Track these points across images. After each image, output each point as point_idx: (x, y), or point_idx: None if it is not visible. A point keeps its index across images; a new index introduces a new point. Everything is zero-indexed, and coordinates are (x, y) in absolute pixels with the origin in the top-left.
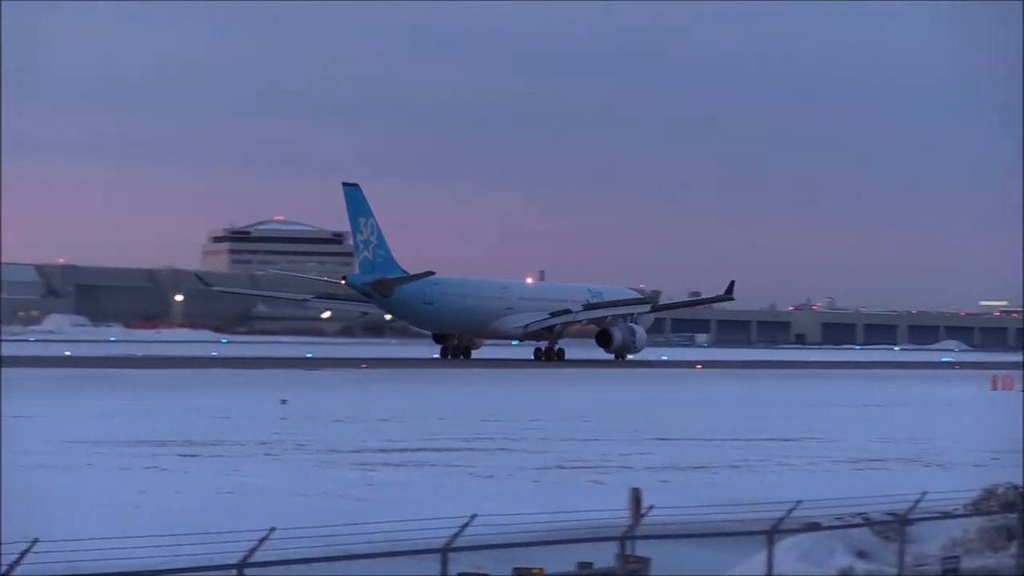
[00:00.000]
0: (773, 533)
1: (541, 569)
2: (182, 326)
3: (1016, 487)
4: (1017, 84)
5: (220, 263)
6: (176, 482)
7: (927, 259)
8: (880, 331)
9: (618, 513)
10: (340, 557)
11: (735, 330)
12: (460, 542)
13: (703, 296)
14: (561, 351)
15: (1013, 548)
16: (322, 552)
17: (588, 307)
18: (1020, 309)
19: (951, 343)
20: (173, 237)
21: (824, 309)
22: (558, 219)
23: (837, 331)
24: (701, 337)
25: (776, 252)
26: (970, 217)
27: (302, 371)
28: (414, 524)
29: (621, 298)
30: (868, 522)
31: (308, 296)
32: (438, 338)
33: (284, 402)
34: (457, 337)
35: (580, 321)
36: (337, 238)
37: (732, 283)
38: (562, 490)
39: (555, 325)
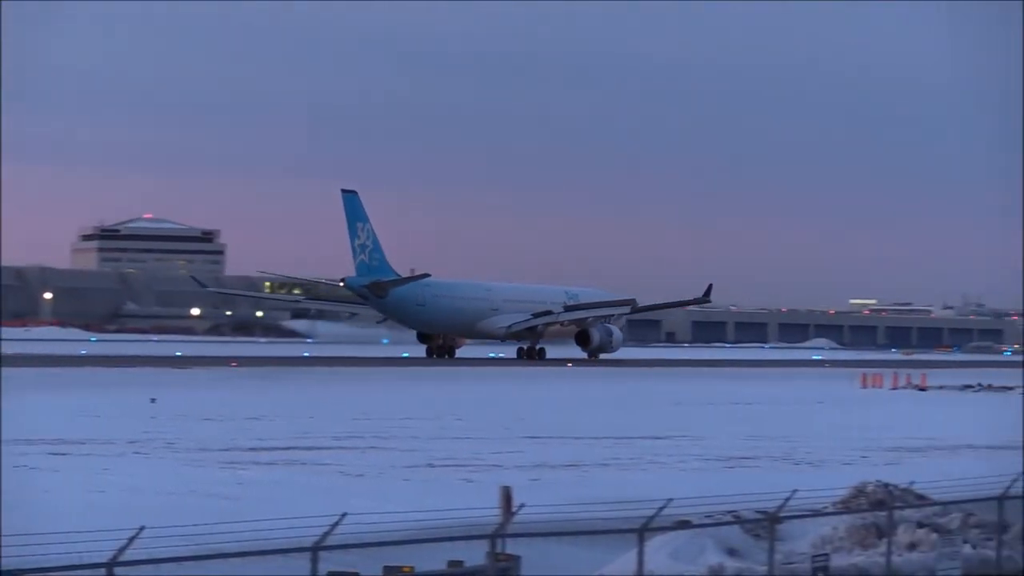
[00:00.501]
0: (644, 531)
1: (412, 567)
2: (51, 324)
3: (886, 485)
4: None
5: (89, 261)
6: (45, 481)
7: (797, 258)
8: (750, 329)
9: (489, 511)
10: (210, 556)
11: None
12: (331, 541)
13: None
14: (542, 350)
15: (882, 546)
16: (192, 551)
17: (569, 308)
18: (894, 307)
19: (821, 341)
20: (42, 236)
21: (694, 307)
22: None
23: (707, 329)
24: None
25: (646, 250)
26: (841, 217)
27: (172, 370)
28: (284, 523)
29: (596, 300)
30: (738, 520)
31: (300, 298)
32: (422, 337)
33: (153, 401)
34: (441, 337)
35: (561, 322)
36: (207, 236)
37: (710, 286)
38: (433, 488)
39: (537, 326)
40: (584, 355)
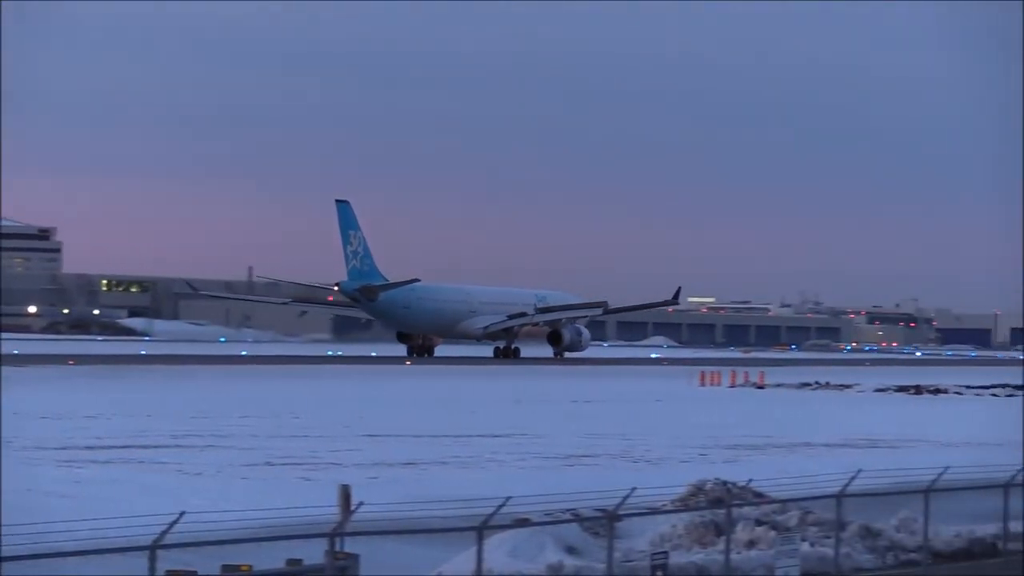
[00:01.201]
0: (482, 529)
1: (250, 566)
2: None
3: (724, 483)
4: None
5: None
6: None
7: (635, 255)
8: (591, 327)
9: (328, 510)
10: (48, 555)
11: None
12: (169, 539)
13: None
14: (517, 349)
15: (721, 544)
16: (29, 550)
17: (543, 310)
18: (732, 305)
19: (659, 339)
20: None
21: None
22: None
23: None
24: None
25: (487, 250)
26: (677, 214)
27: (8, 368)
28: (122, 522)
29: (561, 303)
30: (577, 518)
31: (287, 299)
32: (402, 337)
33: None
34: (421, 337)
35: (537, 323)
36: (44, 234)
37: (679, 289)
38: (271, 487)
39: (513, 326)
40: (561, 354)
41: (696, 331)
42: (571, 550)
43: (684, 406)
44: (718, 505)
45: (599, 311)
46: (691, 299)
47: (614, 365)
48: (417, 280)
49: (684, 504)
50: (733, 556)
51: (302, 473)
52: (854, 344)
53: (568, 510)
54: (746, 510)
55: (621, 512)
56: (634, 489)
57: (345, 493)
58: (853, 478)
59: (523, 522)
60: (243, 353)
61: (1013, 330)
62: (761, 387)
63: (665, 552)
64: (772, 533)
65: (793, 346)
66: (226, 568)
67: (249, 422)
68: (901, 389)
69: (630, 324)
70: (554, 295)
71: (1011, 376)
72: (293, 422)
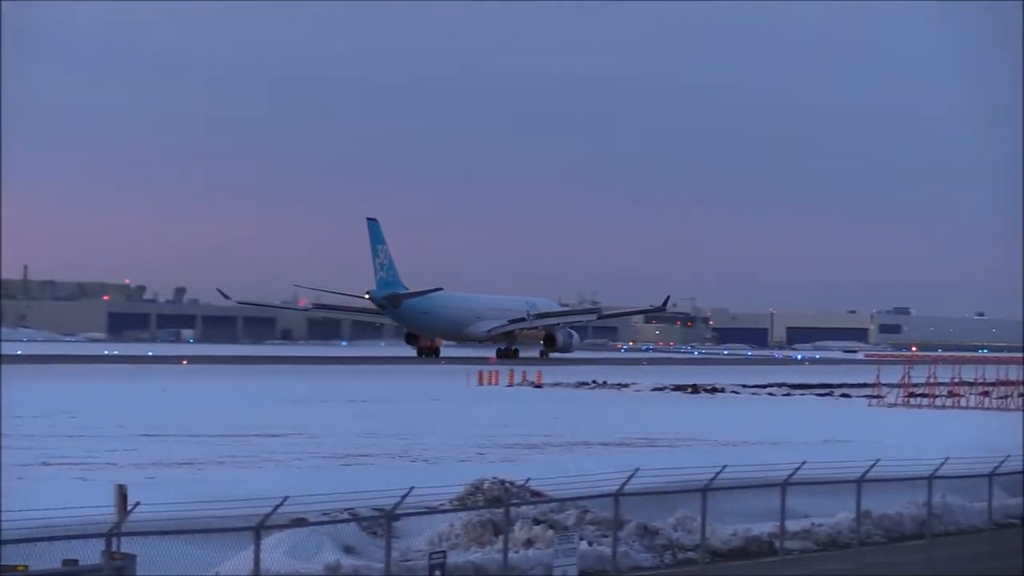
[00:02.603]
0: (260, 529)
1: (26, 566)
2: None
3: (502, 482)
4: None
5: None
6: None
7: (418, 256)
8: (368, 328)
9: (104, 510)
10: None
11: (221, 326)
12: None
13: None
14: (516, 350)
15: (499, 543)
16: None
17: (541, 316)
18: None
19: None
20: None
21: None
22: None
23: (324, 327)
24: (187, 332)
25: (267, 249)
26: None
27: None
28: None
29: (548, 309)
30: (355, 518)
31: (309, 306)
32: (410, 339)
33: None
34: (428, 340)
35: (536, 327)
36: None
37: (667, 297)
38: (47, 487)
39: (514, 330)
40: (547, 354)
41: None
42: (349, 550)
43: (462, 405)
44: (496, 504)
45: (593, 317)
46: None
47: (391, 364)
48: (440, 289)
49: (462, 503)
50: (511, 555)
51: (79, 473)
52: (631, 343)
53: (346, 510)
54: (524, 509)
55: (399, 511)
56: (412, 488)
57: (122, 493)
58: (631, 477)
59: (300, 522)
60: (19, 352)
61: (789, 329)
62: (539, 386)
63: (443, 551)
64: (550, 532)
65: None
66: (2, 568)
67: (23, 422)
68: (678, 388)
69: None
70: (542, 302)
71: (787, 375)
72: (69, 422)
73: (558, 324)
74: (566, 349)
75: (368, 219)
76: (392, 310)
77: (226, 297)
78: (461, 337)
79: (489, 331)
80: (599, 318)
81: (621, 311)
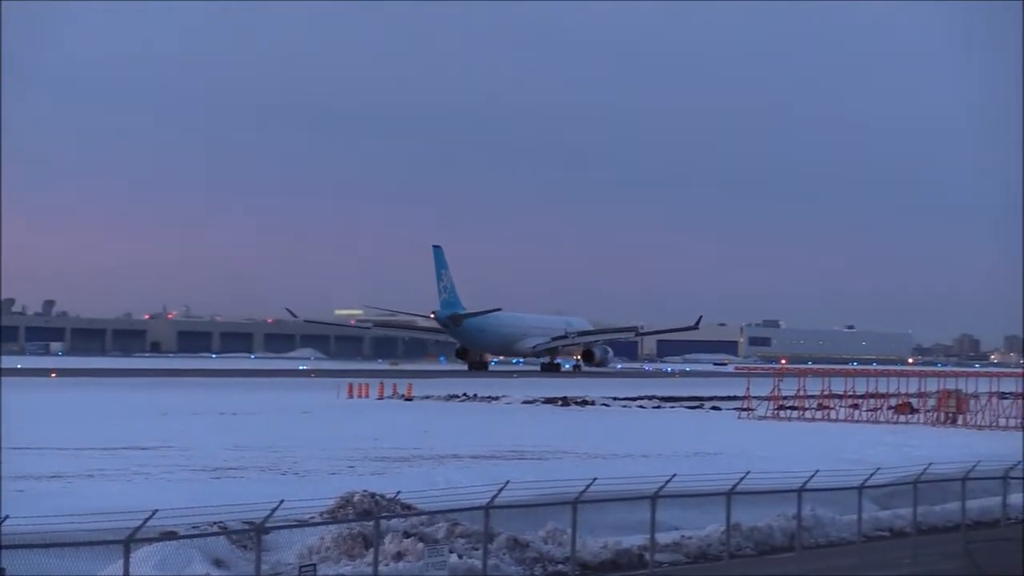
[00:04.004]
0: (129, 542)
1: None
2: None
3: (372, 495)
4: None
5: None
6: None
7: (287, 269)
8: (237, 339)
9: None
10: None
11: (90, 338)
12: None
13: None
14: (558, 364)
15: (369, 556)
16: None
17: (583, 333)
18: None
19: (307, 351)
20: None
21: (180, 318)
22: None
23: (193, 339)
24: (56, 345)
25: (142, 258)
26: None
27: None
28: None
29: (582, 328)
30: (225, 531)
31: (369, 324)
32: (460, 354)
33: None
34: (478, 355)
35: (577, 344)
36: None
37: (700, 317)
38: None
39: (557, 346)
40: (589, 368)
41: (343, 344)
42: (219, 563)
43: (332, 418)
44: (366, 517)
45: (632, 334)
46: (338, 312)
47: (261, 377)
48: (499, 309)
49: (332, 516)
50: (382, 568)
51: None
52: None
53: (216, 523)
54: (394, 522)
55: (268, 525)
56: (282, 502)
57: None
58: (501, 489)
59: (170, 535)
60: None
61: (660, 342)
62: (409, 399)
63: (313, 564)
64: (420, 545)
65: (442, 357)
66: None
67: None
68: (549, 401)
69: (278, 337)
70: (578, 321)
71: (657, 387)
72: None
73: (596, 341)
74: (604, 363)
75: (434, 246)
76: (454, 328)
77: (294, 316)
78: (510, 352)
79: (535, 347)
80: (636, 335)
81: (660, 330)
